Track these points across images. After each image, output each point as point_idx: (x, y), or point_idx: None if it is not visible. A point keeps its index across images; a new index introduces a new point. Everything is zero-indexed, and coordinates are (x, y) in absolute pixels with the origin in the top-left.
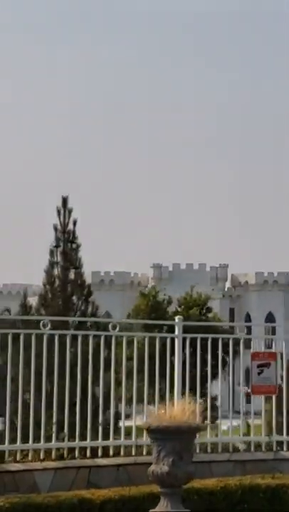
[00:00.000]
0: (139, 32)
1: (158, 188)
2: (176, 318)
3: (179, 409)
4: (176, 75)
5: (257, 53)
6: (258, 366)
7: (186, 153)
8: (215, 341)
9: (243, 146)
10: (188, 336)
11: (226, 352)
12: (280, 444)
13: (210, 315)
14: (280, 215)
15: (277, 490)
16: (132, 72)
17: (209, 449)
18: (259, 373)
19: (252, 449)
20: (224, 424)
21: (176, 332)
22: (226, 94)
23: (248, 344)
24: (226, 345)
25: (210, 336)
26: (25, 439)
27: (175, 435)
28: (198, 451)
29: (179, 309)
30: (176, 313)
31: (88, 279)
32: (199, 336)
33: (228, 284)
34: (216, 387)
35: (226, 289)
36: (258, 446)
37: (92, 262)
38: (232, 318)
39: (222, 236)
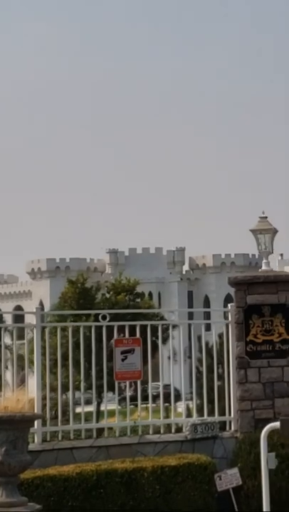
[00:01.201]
0: None
1: (112, 173)
2: (35, 308)
3: (14, 399)
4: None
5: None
6: (122, 352)
7: (141, 134)
8: (145, 327)
9: (197, 122)
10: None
11: (157, 337)
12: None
13: (139, 300)
14: (235, 195)
15: (133, 474)
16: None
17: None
18: (123, 359)
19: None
20: (179, 407)
21: (35, 322)
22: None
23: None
24: (157, 331)
25: (116, 323)
26: None
27: (8, 425)
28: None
29: (107, 295)
30: (105, 299)
31: (43, 266)
32: (105, 323)
33: (185, 267)
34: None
35: (183, 272)
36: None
37: (50, 249)
38: (190, 301)
39: (178, 219)
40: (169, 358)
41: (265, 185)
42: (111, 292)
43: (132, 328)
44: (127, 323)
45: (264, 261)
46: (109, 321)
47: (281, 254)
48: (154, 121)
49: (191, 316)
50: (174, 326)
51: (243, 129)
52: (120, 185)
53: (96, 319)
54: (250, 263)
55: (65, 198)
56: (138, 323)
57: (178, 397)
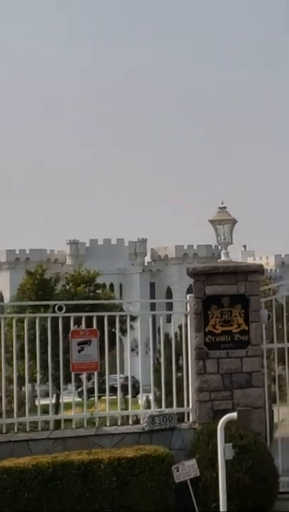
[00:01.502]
0: None
1: (73, 162)
2: None
3: None
4: None
5: None
6: (79, 344)
7: (102, 119)
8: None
9: (152, 109)
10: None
11: (119, 329)
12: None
13: (99, 291)
14: (197, 185)
15: (90, 465)
16: None
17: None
18: (80, 351)
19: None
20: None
21: None
22: None
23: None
24: (120, 322)
25: (72, 314)
26: None
27: None
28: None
29: (66, 287)
30: (64, 291)
31: (3, 257)
32: (61, 314)
33: (147, 259)
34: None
35: (145, 264)
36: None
37: (9, 240)
38: (152, 293)
39: (140, 210)
40: (130, 349)
41: (227, 175)
42: (70, 284)
43: (91, 320)
44: (83, 314)
45: (223, 251)
46: (65, 312)
47: (244, 246)
48: (112, 101)
49: (153, 307)
50: (134, 318)
51: (208, 115)
52: (81, 176)
53: (54, 311)
54: (213, 254)
55: (24, 189)
56: (95, 314)
57: (137, 390)
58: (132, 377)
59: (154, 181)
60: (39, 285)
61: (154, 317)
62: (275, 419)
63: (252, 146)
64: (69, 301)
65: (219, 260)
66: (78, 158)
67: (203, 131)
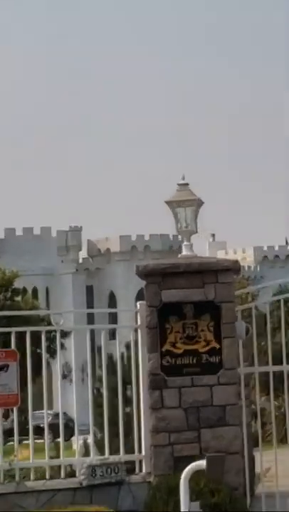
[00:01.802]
0: None
1: None
2: None
3: None
4: None
5: None
6: None
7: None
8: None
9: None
10: None
11: (46, 349)
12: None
13: (18, 299)
14: (149, 157)
15: None
16: None
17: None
18: None
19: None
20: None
21: None
22: None
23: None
24: (47, 339)
25: None
26: None
27: None
28: None
29: None
30: None
31: None
32: None
33: (83, 254)
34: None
35: (80, 261)
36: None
37: None
38: (90, 299)
39: (72, 189)
40: (62, 377)
41: (187, 145)
42: None
43: (8, 338)
44: None
45: (185, 243)
46: None
47: (213, 235)
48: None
49: (91, 320)
50: (66, 334)
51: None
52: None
53: None
54: (172, 247)
55: None
56: (14, 329)
57: (72, 430)
58: (65, 413)
59: (92, 153)
60: None
61: (92, 332)
62: (257, 469)
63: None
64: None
65: (180, 255)
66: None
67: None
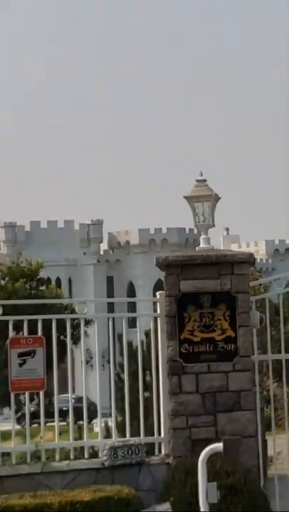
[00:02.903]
0: None
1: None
2: None
3: None
4: None
5: None
6: (20, 355)
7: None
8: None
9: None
10: None
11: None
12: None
13: (43, 288)
14: (167, 155)
15: None
16: None
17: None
18: (21, 364)
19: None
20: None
21: None
22: None
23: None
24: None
25: (11, 318)
26: None
27: None
28: None
29: (1, 282)
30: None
31: None
32: None
33: (104, 246)
34: None
35: (101, 252)
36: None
37: None
38: (111, 289)
39: (95, 184)
40: (82, 362)
41: (204, 144)
42: (7, 278)
43: (34, 325)
44: (25, 318)
45: (202, 236)
46: (2, 315)
47: (227, 229)
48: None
49: (111, 308)
50: (88, 322)
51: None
52: (22, 145)
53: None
54: (187, 240)
55: None
56: (40, 317)
57: (94, 413)
58: (87, 398)
59: (113, 151)
60: None
61: (112, 321)
62: (270, 452)
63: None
64: (5, 301)
65: (198, 248)
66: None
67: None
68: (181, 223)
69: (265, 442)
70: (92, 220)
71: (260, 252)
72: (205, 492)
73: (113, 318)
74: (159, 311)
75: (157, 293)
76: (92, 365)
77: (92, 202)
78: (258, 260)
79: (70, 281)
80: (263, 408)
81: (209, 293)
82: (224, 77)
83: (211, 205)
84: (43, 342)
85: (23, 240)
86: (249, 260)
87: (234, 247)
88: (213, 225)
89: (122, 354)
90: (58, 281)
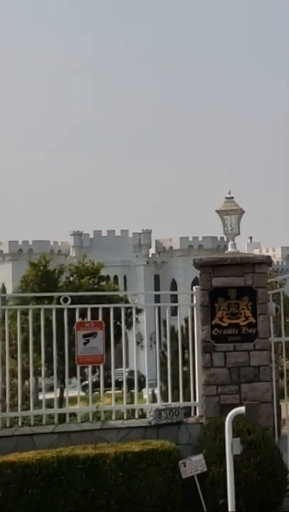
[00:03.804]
0: None
1: (73, 150)
2: None
3: None
4: None
5: None
6: (84, 336)
7: (98, 106)
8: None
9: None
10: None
11: (123, 321)
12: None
13: (104, 284)
14: (203, 175)
15: (96, 460)
16: None
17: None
18: (85, 343)
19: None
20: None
21: None
22: None
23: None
24: (122, 315)
25: (78, 306)
26: None
27: None
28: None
29: (70, 279)
30: (68, 283)
31: (5, 249)
32: (66, 306)
33: (152, 250)
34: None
35: (150, 256)
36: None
37: (12, 231)
38: (157, 285)
39: (145, 201)
40: (134, 343)
41: (232, 166)
42: (74, 275)
43: (96, 313)
44: (89, 306)
45: (230, 242)
46: (70, 304)
47: (250, 237)
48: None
49: (157, 300)
50: (139, 310)
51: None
52: (86, 167)
53: (58, 303)
54: (219, 246)
55: (27, 179)
56: (100, 306)
57: (143, 384)
58: (138, 371)
59: (160, 173)
60: (42, 277)
61: (158, 310)
62: (283, 415)
63: (257, 138)
64: (73, 293)
65: (226, 251)
66: (80, 149)
67: (210, 119)
68: (214, 232)
69: (279, 407)
70: (142, 230)
71: (277, 256)
72: (230, 445)
73: (159, 308)
74: (195, 302)
75: (194, 287)
76: (142, 346)
77: (143, 214)
78: (275, 262)
79: (125, 278)
80: (278, 380)
81: (235, 287)
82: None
83: (237, 218)
84: (103, 326)
85: (87, 246)
86: (267, 261)
87: (256, 252)
88: (239, 233)
89: (165, 336)
90: (116, 278)
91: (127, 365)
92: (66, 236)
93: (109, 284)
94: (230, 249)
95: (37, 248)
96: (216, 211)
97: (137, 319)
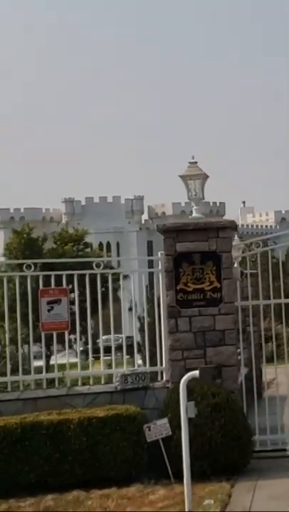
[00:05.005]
0: None
1: (68, 118)
2: None
3: None
4: None
5: None
6: (48, 303)
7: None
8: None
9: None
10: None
11: (107, 287)
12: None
13: (88, 250)
14: (197, 141)
15: (60, 426)
16: None
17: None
18: (49, 310)
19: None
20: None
21: None
22: None
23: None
24: (106, 281)
25: (41, 273)
26: None
27: None
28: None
29: (54, 246)
30: (51, 250)
31: None
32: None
33: (144, 217)
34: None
35: (142, 222)
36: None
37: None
38: (150, 251)
39: (136, 166)
40: (112, 309)
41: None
42: (58, 243)
43: (83, 279)
44: (52, 273)
45: (194, 207)
46: (52, 271)
47: (244, 202)
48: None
49: (151, 266)
50: (125, 276)
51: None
52: (76, 134)
53: (41, 270)
54: (211, 211)
55: (19, 146)
56: (65, 272)
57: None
58: (129, 337)
59: (152, 139)
60: (26, 244)
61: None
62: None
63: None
64: (38, 260)
65: (190, 217)
66: (72, 119)
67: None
68: (206, 197)
69: (260, 371)
70: (135, 196)
71: (270, 220)
72: (185, 408)
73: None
74: (160, 267)
75: (158, 253)
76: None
77: (135, 180)
78: (268, 227)
79: (118, 245)
80: (262, 344)
81: (199, 252)
82: None
83: (200, 183)
84: (67, 292)
85: (79, 212)
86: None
87: (249, 217)
88: (203, 198)
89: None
90: (109, 245)
91: (109, 332)
92: (58, 203)
93: (94, 251)
94: (194, 214)
95: (29, 216)
96: (180, 176)
97: (118, 285)
